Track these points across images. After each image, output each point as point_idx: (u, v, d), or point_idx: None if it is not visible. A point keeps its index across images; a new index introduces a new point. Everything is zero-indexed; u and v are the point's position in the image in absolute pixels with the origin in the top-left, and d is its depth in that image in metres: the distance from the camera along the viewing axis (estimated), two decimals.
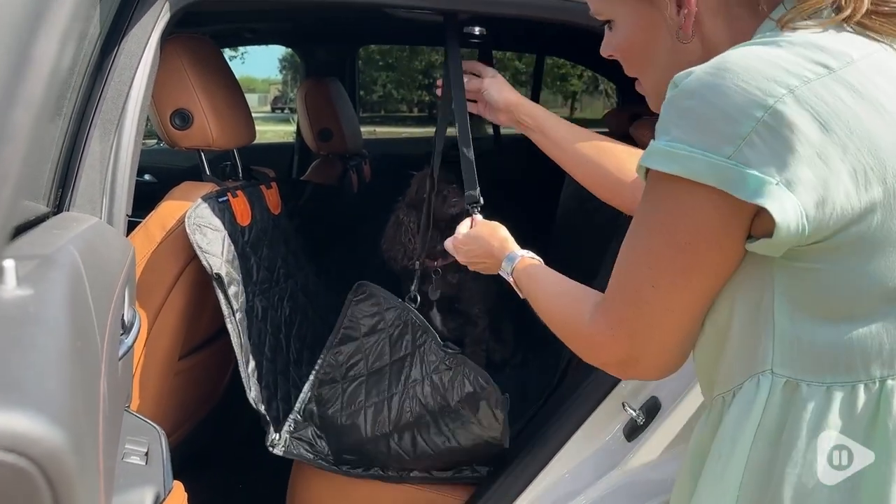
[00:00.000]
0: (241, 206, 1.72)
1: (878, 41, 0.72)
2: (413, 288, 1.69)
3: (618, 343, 0.82)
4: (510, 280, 1.15)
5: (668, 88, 0.73)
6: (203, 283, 1.59)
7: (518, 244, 1.24)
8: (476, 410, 1.51)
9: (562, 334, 0.95)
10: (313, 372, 1.62)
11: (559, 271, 1.04)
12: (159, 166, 3.40)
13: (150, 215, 1.61)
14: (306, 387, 1.62)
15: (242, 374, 1.56)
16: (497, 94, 1.36)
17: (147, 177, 3.34)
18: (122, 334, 1.00)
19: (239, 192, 1.73)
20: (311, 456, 1.61)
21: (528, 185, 3.16)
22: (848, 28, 0.73)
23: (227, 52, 4.03)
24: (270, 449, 1.61)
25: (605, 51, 0.90)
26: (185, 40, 1.65)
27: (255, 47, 4.36)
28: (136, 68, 1.26)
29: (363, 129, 3.16)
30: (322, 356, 1.63)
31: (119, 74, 1.23)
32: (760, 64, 0.67)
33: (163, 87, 1.58)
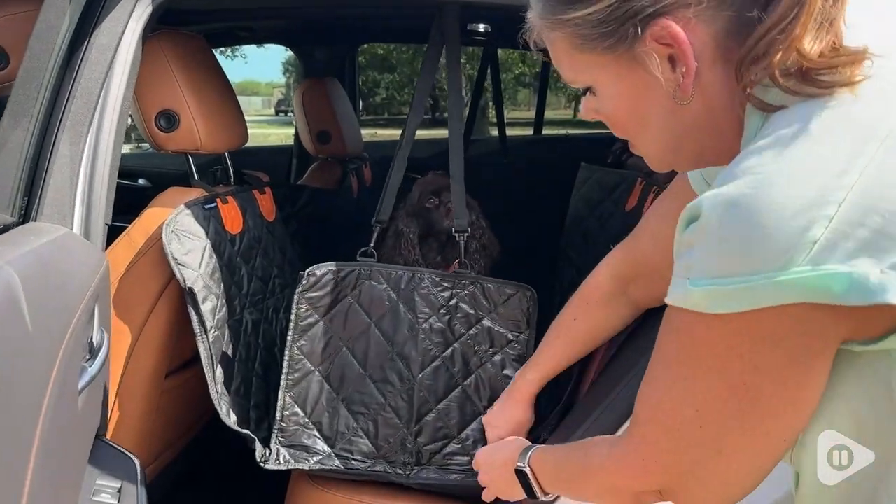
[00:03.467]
0: (231, 213, 1.62)
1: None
2: (371, 244, 1.61)
3: (649, 473, 0.70)
4: (527, 470, 0.99)
5: (679, 221, 0.61)
6: None
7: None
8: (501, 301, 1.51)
9: (581, 484, 0.85)
10: (282, 375, 1.50)
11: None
12: (155, 170, 3.30)
13: (132, 223, 1.51)
14: (280, 393, 1.50)
15: (214, 398, 1.44)
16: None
17: (142, 181, 3.25)
18: (87, 360, 0.90)
19: (229, 198, 1.63)
20: (307, 464, 1.49)
21: (535, 189, 3.06)
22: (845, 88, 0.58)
23: (230, 54, 3.95)
24: (263, 464, 1.49)
25: (587, 115, 0.76)
26: (170, 36, 1.55)
27: (259, 50, 4.29)
28: (111, 64, 1.16)
29: (364, 131, 3.06)
30: (286, 354, 1.50)
31: (90, 71, 1.12)
32: (808, 162, 0.55)
33: (147, 86, 1.49)
